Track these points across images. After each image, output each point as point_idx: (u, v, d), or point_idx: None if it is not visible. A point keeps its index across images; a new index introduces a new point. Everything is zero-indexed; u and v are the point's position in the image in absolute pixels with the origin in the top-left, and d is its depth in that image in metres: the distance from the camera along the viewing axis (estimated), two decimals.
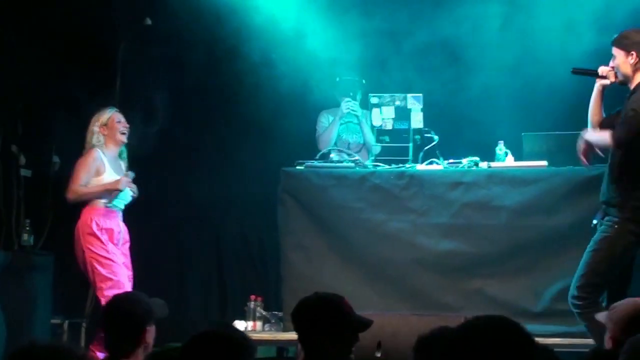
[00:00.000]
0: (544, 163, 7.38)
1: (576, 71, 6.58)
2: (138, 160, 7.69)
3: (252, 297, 7.81)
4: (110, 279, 6.97)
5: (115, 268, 7.02)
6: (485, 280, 7.30)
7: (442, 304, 7.23)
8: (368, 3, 8.91)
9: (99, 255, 7.01)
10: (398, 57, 8.68)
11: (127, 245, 7.29)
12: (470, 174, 7.46)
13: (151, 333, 4.35)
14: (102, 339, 5.73)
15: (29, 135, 8.68)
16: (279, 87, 8.60)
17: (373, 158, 8.12)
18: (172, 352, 3.74)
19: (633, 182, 6.18)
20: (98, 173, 7.17)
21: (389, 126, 7.96)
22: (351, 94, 8.31)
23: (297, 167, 7.74)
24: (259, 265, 9.20)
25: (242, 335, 3.55)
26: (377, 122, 7.99)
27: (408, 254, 7.41)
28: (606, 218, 6.25)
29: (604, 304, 6.03)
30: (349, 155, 7.96)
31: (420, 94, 7.92)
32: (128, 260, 7.25)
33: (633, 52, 6.21)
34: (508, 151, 7.61)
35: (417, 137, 7.85)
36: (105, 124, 7.27)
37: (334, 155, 7.90)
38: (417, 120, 7.87)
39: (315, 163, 7.77)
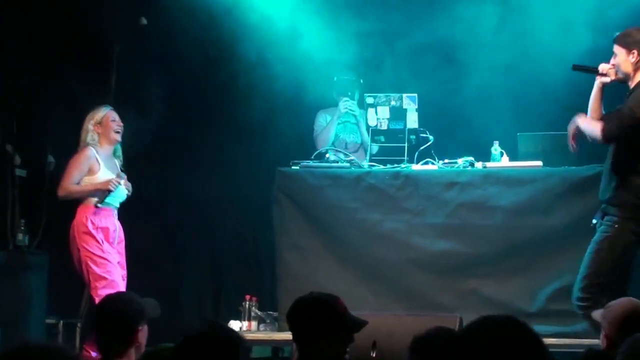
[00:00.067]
0: (539, 163, 7.38)
1: (576, 67, 6.57)
2: (133, 159, 7.69)
3: (247, 297, 7.80)
4: (105, 278, 6.95)
5: (109, 267, 7.01)
6: (481, 280, 7.30)
7: (437, 304, 7.23)
8: (363, 3, 8.91)
9: (93, 254, 7.00)
10: (393, 57, 8.69)
11: (122, 244, 7.27)
12: (465, 174, 7.46)
13: (143, 333, 4.36)
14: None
15: (24, 135, 8.66)
16: (274, 87, 8.62)
17: (369, 158, 8.12)
18: (165, 352, 3.74)
19: (632, 180, 6.17)
20: (92, 171, 7.16)
21: (384, 126, 7.96)
22: (349, 93, 8.32)
23: (293, 167, 7.74)
24: (254, 265, 9.20)
25: (235, 334, 3.55)
26: (372, 122, 7.99)
27: (403, 254, 7.41)
28: (606, 218, 6.25)
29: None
30: (345, 155, 7.96)
31: (416, 94, 7.92)
32: (123, 259, 7.24)
33: (634, 51, 6.21)
34: (503, 151, 7.61)
35: (413, 137, 7.85)
36: (100, 122, 7.26)
37: (329, 156, 7.89)
38: (412, 121, 7.87)
39: (311, 163, 7.77)
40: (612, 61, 6.32)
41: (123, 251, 7.26)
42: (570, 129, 6.49)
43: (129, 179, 7.28)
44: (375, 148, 8.17)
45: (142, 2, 8.92)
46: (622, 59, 6.25)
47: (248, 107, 8.92)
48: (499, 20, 8.47)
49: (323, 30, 8.55)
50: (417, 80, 8.34)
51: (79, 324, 8.20)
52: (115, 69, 8.83)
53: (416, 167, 7.61)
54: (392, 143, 8.02)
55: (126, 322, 4.30)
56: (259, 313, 7.73)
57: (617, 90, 6.45)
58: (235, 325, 7.49)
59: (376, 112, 7.96)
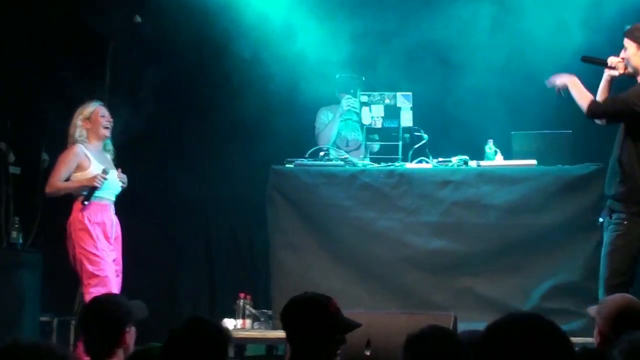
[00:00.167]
0: (533, 162, 7.38)
1: (586, 59, 6.49)
2: (127, 158, 7.68)
3: (242, 295, 7.80)
4: (97, 276, 6.92)
5: (102, 265, 6.97)
6: (475, 278, 7.31)
7: (431, 302, 7.23)
8: (358, 2, 8.91)
9: (88, 251, 6.97)
10: (388, 56, 8.69)
11: (119, 239, 7.24)
12: (459, 173, 7.47)
13: (131, 335, 4.39)
14: None
15: (19, 132, 8.66)
16: (269, 86, 8.62)
17: (368, 157, 8.13)
18: (154, 350, 3.76)
19: (637, 174, 6.13)
20: (82, 168, 7.10)
21: (379, 124, 7.95)
22: (351, 91, 8.29)
23: (287, 166, 7.74)
24: (248, 263, 9.20)
25: (217, 329, 3.62)
26: (366, 121, 7.99)
27: (397, 253, 7.41)
28: (614, 216, 6.18)
29: None
30: (347, 153, 7.98)
31: (410, 93, 7.91)
32: (119, 255, 7.20)
33: None
34: (497, 150, 7.61)
35: (407, 135, 7.85)
36: (89, 118, 7.21)
37: (324, 154, 7.88)
38: (406, 119, 7.86)
39: (305, 161, 7.77)
40: (622, 54, 6.26)
41: (119, 247, 7.23)
42: (558, 84, 6.43)
43: (123, 171, 7.25)
44: (376, 147, 8.18)
45: (136, 0, 8.92)
46: (632, 52, 6.18)
47: (243, 105, 8.92)
48: (493, 20, 8.47)
49: (318, 29, 8.55)
50: (412, 80, 8.34)
51: (73, 322, 8.18)
52: (110, 66, 8.83)
53: (410, 165, 7.62)
54: (386, 141, 8.03)
55: (114, 323, 4.34)
56: (253, 311, 7.74)
57: (625, 84, 6.39)
58: (229, 323, 7.49)
59: (370, 111, 7.96)
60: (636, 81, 6.22)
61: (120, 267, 7.19)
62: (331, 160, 7.78)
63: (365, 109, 7.98)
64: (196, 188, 9.10)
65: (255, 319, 7.72)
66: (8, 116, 8.62)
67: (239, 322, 7.66)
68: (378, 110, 7.94)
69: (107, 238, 7.09)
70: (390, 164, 7.70)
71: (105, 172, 7.06)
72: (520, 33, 8.39)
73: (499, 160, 7.57)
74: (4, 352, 2.71)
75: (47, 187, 7.16)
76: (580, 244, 7.12)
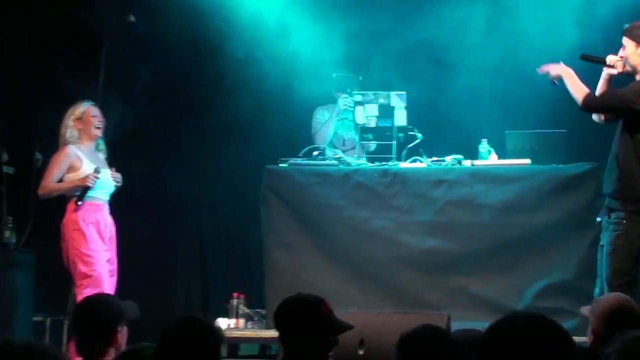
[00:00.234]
0: (527, 161, 7.38)
1: (584, 57, 6.42)
2: (121, 157, 7.66)
3: (235, 294, 7.79)
4: (90, 277, 6.90)
5: (95, 266, 6.95)
6: (469, 278, 7.31)
7: (425, 301, 7.23)
8: (352, 2, 8.90)
9: (81, 252, 6.95)
10: (382, 56, 8.69)
11: (114, 239, 7.22)
12: (453, 172, 7.47)
13: (123, 334, 4.41)
14: None
15: (12, 131, 8.64)
16: (263, 85, 8.61)
17: (364, 156, 8.13)
18: (146, 350, 3.77)
19: (635, 172, 6.09)
20: (74, 168, 7.09)
21: (373, 124, 7.95)
22: (348, 90, 8.29)
23: (280, 165, 7.74)
24: (242, 262, 9.20)
25: (209, 328, 3.63)
26: (360, 120, 7.98)
27: (391, 252, 7.41)
28: (612, 215, 6.12)
29: None
30: (343, 152, 7.98)
31: (404, 92, 7.91)
32: (114, 255, 7.19)
33: None
34: (491, 149, 7.62)
35: (401, 135, 7.85)
36: (80, 118, 7.19)
37: (317, 153, 7.88)
38: (400, 118, 7.86)
39: (299, 161, 7.77)
40: (621, 53, 6.21)
41: (114, 247, 7.21)
42: (552, 74, 6.38)
43: (117, 170, 7.23)
44: (373, 146, 8.18)
45: None
46: (631, 51, 6.14)
47: (236, 104, 8.91)
48: (487, 20, 8.47)
49: (312, 29, 8.55)
50: (406, 79, 8.34)
51: (66, 322, 8.17)
52: (103, 65, 8.80)
53: (404, 164, 7.62)
54: (380, 141, 8.04)
55: (105, 323, 4.36)
56: (247, 310, 7.73)
57: (624, 83, 6.36)
58: (223, 322, 7.48)
59: (364, 110, 7.96)
60: (634, 79, 6.18)
61: (114, 267, 7.18)
62: (325, 159, 7.77)
63: (359, 108, 7.98)
64: (190, 187, 9.09)
65: (248, 318, 7.71)
66: (1, 116, 8.60)
67: (233, 321, 7.65)
68: (372, 110, 7.94)
69: (101, 238, 7.08)
70: (384, 163, 7.70)
71: (97, 171, 7.04)
72: (514, 33, 8.39)
73: (492, 160, 7.57)
74: None
75: (39, 190, 7.15)
76: (574, 243, 7.12)
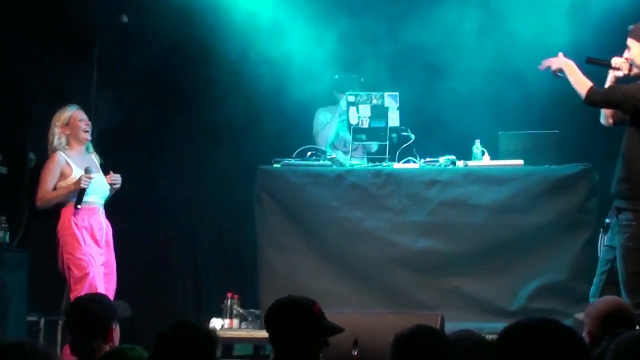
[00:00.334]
0: (520, 162, 7.39)
1: (590, 60, 6.29)
2: (114, 158, 7.66)
3: (229, 294, 7.80)
4: (84, 280, 6.88)
5: (88, 268, 6.90)
6: (462, 278, 7.31)
7: (418, 302, 7.23)
8: (345, 4, 8.91)
9: (75, 257, 6.91)
10: (375, 58, 8.70)
11: (110, 243, 7.18)
12: (446, 173, 7.47)
13: (116, 332, 4.43)
14: None
15: (5, 131, 8.63)
16: (256, 86, 8.62)
17: (366, 157, 8.13)
18: (128, 351, 3.78)
19: None
20: (65, 175, 7.03)
21: (366, 124, 7.95)
22: (350, 91, 8.28)
23: (274, 165, 7.74)
24: (235, 263, 9.20)
25: (204, 332, 3.65)
26: (353, 121, 7.99)
27: (385, 253, 7.42)
28: (620, 216, 6.01)
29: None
30: (345, 153, 7.98)
31: (397, 93, 7.91)
32: (111, 259, 7.15)
33: None
34: (485, 150, 7.62)
35: (394, 135, 7.86)
36: (67, 123, 7.09)
37: (311, 154, 7.88)
38: (393, 119, 7.87)
39: (292, 161, 7.77)
40: (626, 55, 6.11)
41: (111, 251, 7.15)
42: (554, 67, 6.28)
43: (116, 171, 7.20)
44: (375, 147, 8.18)
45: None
46: (636, 52, 6.04)
47: (230, 105, 8.91)
48: (480, 22, 8.49)
49: (305, 30, 8.56)
50: (399, 81, 8.35)
51: (60, 322, 8.16)
52: (96, 65, 8.80)
53: (397, 165, 7.62)
54: (373, 141, 8.05)
55: (98, 321, 4.38)
56: (241, 311, 7.73)
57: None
58: (217, 322, 7.49)
59: (357, 111, 7.96)
60: None
61: (111, 271, 7.13)
62: (319, 160, 7.78)
63: (352, 109, 7.98)
64: (183, 188, 9.09)
65: (242, 318, 7.72)
66: None
67: (227, 321, 7.66)
68: (365, 110, 7.94)
69: (96, 242, 7.03)
70: (377, 163, 7.71)
71: (87, 171, 6.99)
72: (507, 34, 8.40)
73: (486, 161, 7.58)
74: None
75: (37, 201, 7.07)
76: (567, 243, 7.13)
